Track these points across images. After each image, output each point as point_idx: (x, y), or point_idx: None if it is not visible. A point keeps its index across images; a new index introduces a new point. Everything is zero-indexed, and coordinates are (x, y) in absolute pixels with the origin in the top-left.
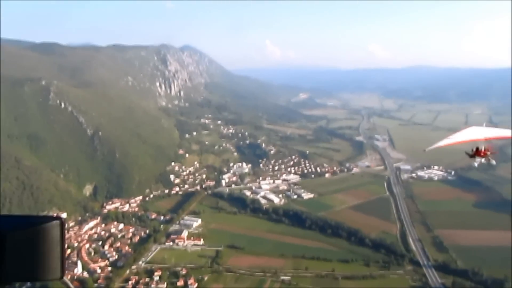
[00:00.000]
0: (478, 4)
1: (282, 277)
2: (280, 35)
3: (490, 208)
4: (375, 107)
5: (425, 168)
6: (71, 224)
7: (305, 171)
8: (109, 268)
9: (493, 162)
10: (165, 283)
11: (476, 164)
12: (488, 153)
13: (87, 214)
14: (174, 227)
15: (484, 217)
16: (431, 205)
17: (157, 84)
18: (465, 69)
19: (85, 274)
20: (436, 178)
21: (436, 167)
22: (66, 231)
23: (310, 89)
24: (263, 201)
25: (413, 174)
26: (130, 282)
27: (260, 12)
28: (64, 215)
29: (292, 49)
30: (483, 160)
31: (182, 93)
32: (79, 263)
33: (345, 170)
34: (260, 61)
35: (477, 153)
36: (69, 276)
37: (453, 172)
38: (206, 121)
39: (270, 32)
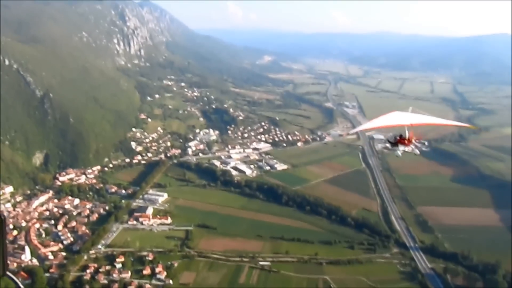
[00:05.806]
0: None
1: (261, 263)
2: None
3: (468, 183)
4: (340, 72)
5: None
6: (18, 199)
7: (276, 139)
8: (63, 254)
9: (417, 152)
10: (129, 272)
11: (399, 153)
12: (414, 141)
13: (37, 187)
14: (138, 202)
15: (464, 193)
16: (409, 179)
17: (115, 41)
18: (428, 37)
19: (35, 261)
20: (410, 149)
21: None
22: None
23: (274, 52)
24: (234, 172)
25: (387, 144)
26: (88, 271)
27: None
28: (9, 189)
29: (254, 12)
30: (406, 149)
31: (142, 52)
32: (27, 249)
33: (317, 139)
34: (221, 22)
35: (400, 140)
36: (15, 265)
37: (426, 143)
38: (169, 83)
39: None
